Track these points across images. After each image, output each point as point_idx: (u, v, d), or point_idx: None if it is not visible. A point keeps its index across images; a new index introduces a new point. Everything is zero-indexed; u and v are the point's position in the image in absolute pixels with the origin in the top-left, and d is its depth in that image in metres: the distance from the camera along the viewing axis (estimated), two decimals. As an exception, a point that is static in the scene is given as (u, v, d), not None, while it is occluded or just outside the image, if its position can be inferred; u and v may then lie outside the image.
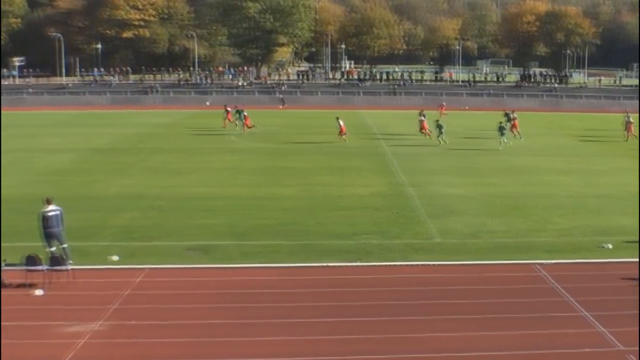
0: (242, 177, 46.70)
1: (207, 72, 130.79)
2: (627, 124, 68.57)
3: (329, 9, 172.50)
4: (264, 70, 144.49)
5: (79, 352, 19.53)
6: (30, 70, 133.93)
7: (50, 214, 27.47)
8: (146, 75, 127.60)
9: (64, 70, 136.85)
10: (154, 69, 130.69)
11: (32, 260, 25.36)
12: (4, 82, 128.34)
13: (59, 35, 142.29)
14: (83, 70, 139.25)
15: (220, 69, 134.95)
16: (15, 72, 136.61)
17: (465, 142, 60.87)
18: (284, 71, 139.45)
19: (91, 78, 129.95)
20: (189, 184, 44.77)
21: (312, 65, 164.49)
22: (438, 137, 62.56)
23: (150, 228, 33.45)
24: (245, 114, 72.58)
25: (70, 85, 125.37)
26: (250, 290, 24.54)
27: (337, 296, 23.94)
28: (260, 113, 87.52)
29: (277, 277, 26.10)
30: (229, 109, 77.79)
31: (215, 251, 29.54)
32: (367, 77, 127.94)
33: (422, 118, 68.00)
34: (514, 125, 68.59)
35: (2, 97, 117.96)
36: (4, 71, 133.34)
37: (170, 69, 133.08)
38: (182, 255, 28.96)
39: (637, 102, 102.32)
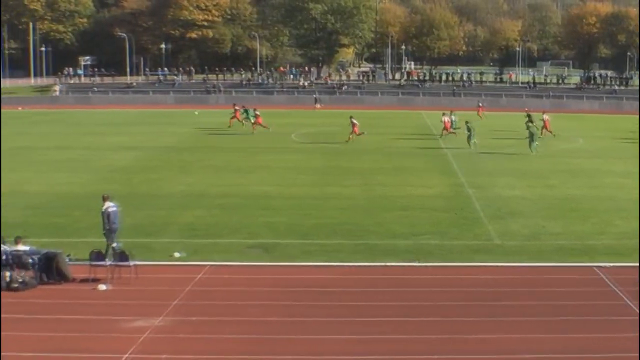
0: (303, 177, 46.76)
1: (270, 72, 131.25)
2: None
3: (391, 10, 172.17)
4: (325, 70, 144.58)
5: (141, 347, 19.71)
6: (97, 69, 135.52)
7: (110, 209, 27.88)
8: (210, 75, 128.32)
9: (130, 70, 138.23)
10: (217, 68, 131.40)
11: (97, 255, 25.66)
12: (71, 81, 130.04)
13: (126, 35, 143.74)
14: (148, 69, 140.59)
15: (283, 69, 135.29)
16: (81, 71, 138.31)
17: (524, 143, 60.13)
18: (346, 72, 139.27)
19: (156, 77, 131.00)
20: (251, 182, 44.96)
21: (373, 66, 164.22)
22: (468, 139, 60.86)
23: (213, 225, 33.65)
24: (257, 113, 72.77)
25: (136, 84, 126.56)
26: (309, 288, 24.58)
27: (396, 296, 23.87)
28: (322, 113, 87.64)
29: (336, 275, 26.10)
30: (236, 107, 77.98)
31: (276, 249, 29.63)
32: (428, 78, 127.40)
33: (446, 119, 67.85)
34: (544, 126, 68.33)
35: (70, 95, 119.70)
36: (71, 70, 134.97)
37: (234, 69, 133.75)
38: (243, 253, 29.10)
39: None
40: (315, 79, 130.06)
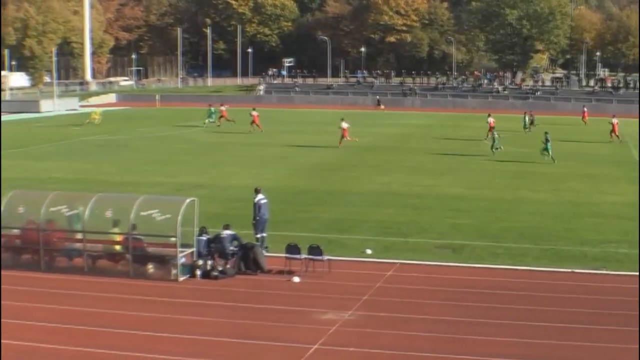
0: (495, 180, 46.06)
1: (465, 77, 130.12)
2: None
3: (586, 16, 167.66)
4: (519, 75, 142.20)
5: (329, 339, 19.82)
6: (299, 70, 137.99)
7: (262, 201, 28.44)
8: (406, 78, 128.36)
9: (330, 71, 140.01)
10: (414, 72, 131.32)
11: (292, 248, 26.00)
12: (274, 81, 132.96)
13: (327, 38, 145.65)
14: (348, 71, 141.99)
15: (478, 73, 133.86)
16: (284, 72, 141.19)
17: None
18: (539, 77, 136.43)
19: (355, 79, 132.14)
20: (443, 184, 44.66)
21: (566, 72, 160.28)
22: (542, 151, 55.03)
23: (405, 224, 33.55)
24: (223, 108, 77.31)
25: (335, 85, 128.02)
26: (495, 290, 24.12)
27: (581, 303, 23.05)
28: (512, 118, 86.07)
29: (522, 279, 25.50)
30: (222, 107, 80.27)
31: (464, 250, 29.27)
32: (622, 85, 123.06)
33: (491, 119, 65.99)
34: (613, 130, 66.67)
35: (273, 94, 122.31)
36: (274, 70, 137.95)
37: (429, 72, 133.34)
38: (432, 253, 28.88)
39: None
40: (509, 83, 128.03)
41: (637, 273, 25.95)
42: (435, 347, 19.41)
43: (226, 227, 26.73)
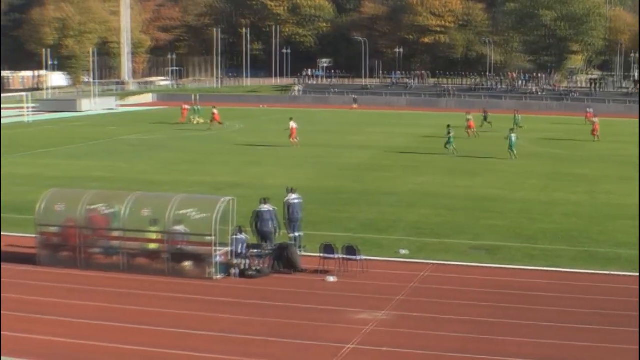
0: (530, 182, 45.77)
1: (500, 78, 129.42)
2: None
3: (621, 18, 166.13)
4: (555, 77, 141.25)
5: (364, 339, 19.79)
6: (334, 71, 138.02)
7: (293, 201, 28.26)
8: (441, 79, 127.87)
9: (365, 72, 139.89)
10: (449, 73, 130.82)
11: (327, 248, 25.99)
12: (310, 82, 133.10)
13: (363, 39, 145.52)
14: (383, 72, 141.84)
15: (513, 74, 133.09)
16: (320, 73, 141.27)
17: None
18: (575, 79, 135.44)
19: (390, 80, 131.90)
20: (478, 185, 44.46)
21: (602, 73, 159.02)
22: (445, 145, 58.36)
23: (440, 225, 33.45)
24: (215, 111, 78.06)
25: (371, 86, 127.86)
26: (530, 292, 23.93)
27: (618, 305, 22.82)
28: (549, 119, 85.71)
29: (557, 281, 25.29)
30: (188, 107, 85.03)
31: (499, 252, 29.08)
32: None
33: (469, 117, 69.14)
34: (594, 129, 68.76)
35: (308, 95, 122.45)
36: (310, 71, 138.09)
37: (465, 73, 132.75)
38: (466, 254, 28.75)
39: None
40: (545, 85, 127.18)
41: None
42: (469, 347, 19.32)
43: (264, 200, 27.48)
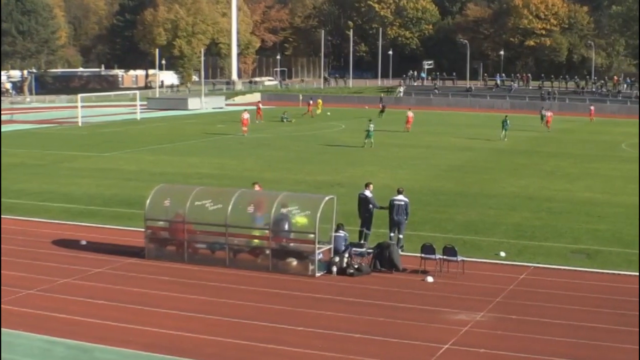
0: (632, 186, 44.59)
1: (604, 81, 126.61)
2: None
3: None
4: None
5: (461, 339, 19.58)
6: (438, 73, 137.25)
7: (397, 202, 28.12)
8: (545, 82, 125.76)
9: (469, 75, 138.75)
10: (552, 76, 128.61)
11: (427, 248, 25.81)
12: (415, 83, 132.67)
13: (467, 41, 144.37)
14: (486, 75, 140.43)
15: (617, 78, 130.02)
16: (424, 75, 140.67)
17: None
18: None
19: (493, 83, 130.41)
20: (579, 188, 43.54)
21: None
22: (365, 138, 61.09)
23: (539, 228, 32.84)
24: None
25: (473, 88, 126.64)
26: (630, 298, 23.28)
27: None
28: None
29: (660, 288, 24.62)
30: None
31: (599, 256, 28.41)
32: None
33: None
34: (548, 121, 76.46)
35: (412, 96, 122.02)
36: (414, 73, 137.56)
37: (568, 76, 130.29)
38: (566, 257, 28.19)
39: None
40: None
41: None
42: (567, 352, 18.91)
43: (367, 184, 28.77)
